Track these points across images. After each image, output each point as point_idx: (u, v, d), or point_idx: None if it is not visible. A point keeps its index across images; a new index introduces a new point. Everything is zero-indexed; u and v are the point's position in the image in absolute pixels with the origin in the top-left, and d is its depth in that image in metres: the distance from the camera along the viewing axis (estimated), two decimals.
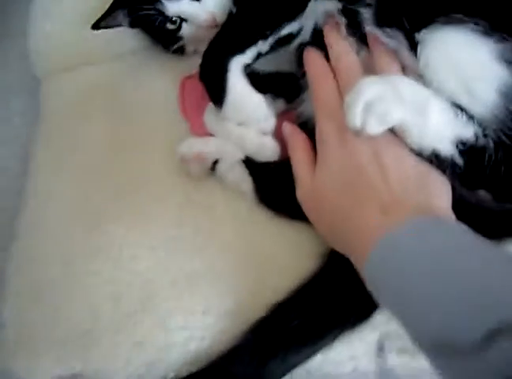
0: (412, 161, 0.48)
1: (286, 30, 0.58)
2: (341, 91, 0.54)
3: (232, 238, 0.60)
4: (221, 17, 0.64)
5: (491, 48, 0.46)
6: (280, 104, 0.66)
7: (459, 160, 0.46)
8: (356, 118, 0.46)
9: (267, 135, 0.61)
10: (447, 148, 0.46)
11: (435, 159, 0.47)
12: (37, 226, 0.66)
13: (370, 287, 0.43)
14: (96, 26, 0.68)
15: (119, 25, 0.69)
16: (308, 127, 0.59)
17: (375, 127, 0.45)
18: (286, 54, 0.64)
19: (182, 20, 0.65)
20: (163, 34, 0.67)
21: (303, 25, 0.60)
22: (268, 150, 0.61)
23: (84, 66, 0.80)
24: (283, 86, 0.65)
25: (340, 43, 0.57)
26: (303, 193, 0.54)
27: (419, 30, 0.50)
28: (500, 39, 0.46)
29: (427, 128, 0.46)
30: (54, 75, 0.81)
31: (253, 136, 0.61)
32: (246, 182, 0.60)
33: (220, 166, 0.61)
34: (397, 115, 0.45)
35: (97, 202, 0.65)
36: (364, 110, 0.45)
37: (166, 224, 0.61)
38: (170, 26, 0.66)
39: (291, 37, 0.60)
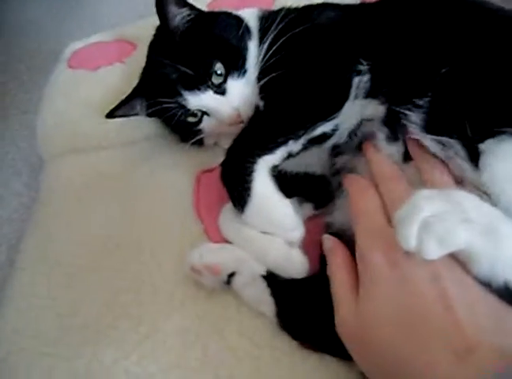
0: (480, 292, 0.39)
1: (320, 130, 0.53)
2: (386, 205, 0.46)
3: (246, 371, 0.48)
4: (246, 114, 0.59)
5: None
6: (307, 210, 0.59)
7: None
8: (411, 238, 0.37)
9: (294, 246, 0.52)
10: None
11: (506, 293, 0.38)
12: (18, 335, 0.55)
13: None
14: (111, 115, 0.64)
15: (136, 114, 0.65)
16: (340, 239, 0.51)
17: (434, 250, 0.37)
18: (317, 153, 0.57)
19: (204, 113, 0.60)
20: (182, 126, 0.62)
21: (338, 125, 0.54)
22: (295, 265, 0.52)
23: (92, 150, 0.74)
24: (312, 190, 0.58)
25: (381, 157, 0.51)
26: (343, 322, 0.44)
27: (483, 139, 0.43)
28: None
29: (500, 255, 0.38)
30: (61, 157, 0.75)
31: (277, 248, 0.52)
32: (266, 304, 0.50)
33: (236, 281, 0.52)
34: (462, 238, 0.37)
35: (85, 317, 0.54)
36: (421, 229, 0.37)
37: (170, 347, 0.51)
38: (190, 119, 0.61)
39: (325, 137, 0.54)
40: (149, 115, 0.65)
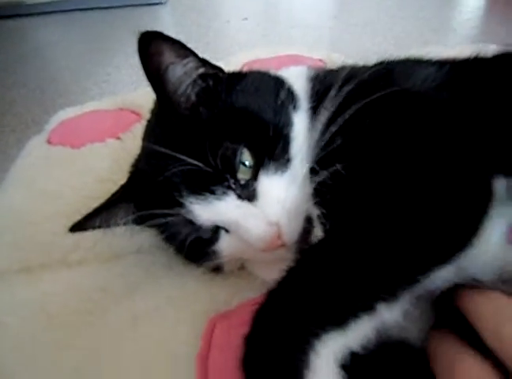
0: None
1: (439, 280, 0.30)
2: None
3: None
4: (291, 232, 0.37)
5: None
6: None
7: None
8: None
9: None
10: None
11: None
12: None
13: None
14: (81, 227, 0.43)
15: (118, 223, 0.45)
16: None
17: None
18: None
19: (222, 228, 0.39)
20: (190, 243, 0.41)
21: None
22: None
23: (54, 267, 0.50)
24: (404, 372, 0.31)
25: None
26: None
27: None
28: None
29: None
30: (9, 274, 0.51)
31: None
32: None
33: None
34: None
35: None
36: None
37: None
38: (202, 235, 0.40)
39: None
40: (137, 222, 0.44)
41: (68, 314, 0.45)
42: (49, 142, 0.61)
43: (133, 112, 0.65)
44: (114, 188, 0.46)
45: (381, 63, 0.47)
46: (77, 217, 0.43)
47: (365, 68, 0.46)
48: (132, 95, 0.71)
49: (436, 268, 0.28)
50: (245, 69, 0.51)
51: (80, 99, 0.93)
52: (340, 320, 0.27)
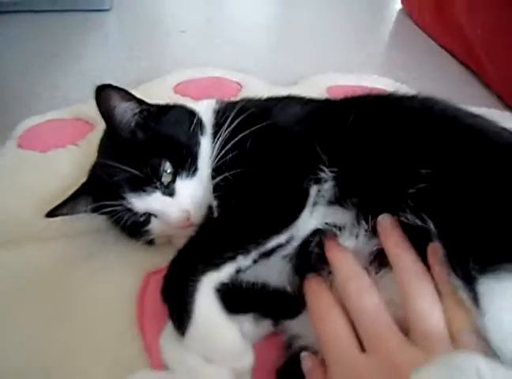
0: None
1: (273, 243, 0.48)
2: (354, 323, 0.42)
3: None
4: (198, 216, 0.54)
5: None
6: (266, 327, 0.52)
7: None
8: None
9: (244, 377, 0.45)
10: None
11: None
12: None
13: None
14: (52, 214, 0.58)
15: (81, 212, 0.60)
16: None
17: None
18: (276, 262, 0.52)
19: (152, 214, 0.56)
20: (130, 225, 0.57)
21: (293, 236, 0.49)
22: None
23: (30, 242, 0.66)
24: (270, 304, 0.52)
25: (347, 260, 0.46)
26: None
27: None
28: None
29: None
30: None
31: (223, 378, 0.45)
32: None
33: None
34: None
35: None
36: None
37: None
38: (138, 219, 0.56)
39: (279, 248, 0.49)
40: (94, 210, 0.59)
41: (43, 277, 0.61)
42: (19, 146, 0.77)
43: (87, 122, 0.81)
44: (75, 184, 0.61)
45: (269, 98, 0.67)
46: (46, 208, 0.59)
47: (257, 101, 0.65)
48: (85, 107, 0.86)
49: (275, 235, 0.47)
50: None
51: (32, 105, 1.02)
52: (216, 264, 0.45)
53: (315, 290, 0.47)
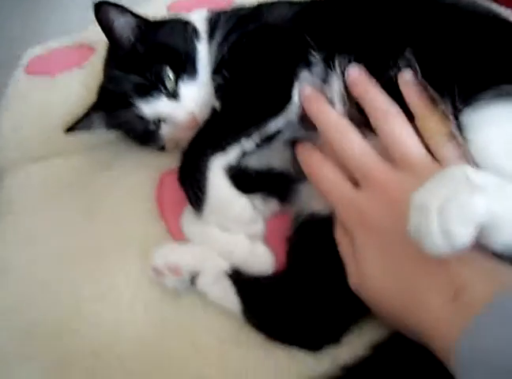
0: None
1: (273, 126, 0.53)
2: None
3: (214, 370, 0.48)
4: (203, 116, 0.58)
5: None
6: (273, 205, 0.59)
7: None
8: (436, 237, 0.33)
9: (257, 241, 0.53)
10: None
11: None
12: None
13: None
14: (71, 129, 0.63)
15: (95, 128, 0.64)
16: (313, 226, 0.53)
17: (461, 231, 0.33)
18: (277, 148, 0.58)
19: (162, 120, 0.60)
20: (142, 133, 0.62)
21: (290, 119, 0.54)
22: (260, 259, 0.52)
23: (53, 157, 0.72)
24: (275, 184, 0.58)
25: (327, 111, 0.51)
26: (352, 282, 0.46)
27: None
28: None
29: None
30: (20, 165, 0.73)
31: (241, 244, 0.53)
32: (232, 302, 0.50)
33: (200, 281, 0.51)
34: (481, 205, 0.33)
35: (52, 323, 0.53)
36: (439, 223, 0.33)
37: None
38: (149, 126, 0.60)
39: (279, 133, 0.54)
40: (109, 127, 0.65)
41: (71, 184, 0.68)
42: (28, 73, 0.80)
43: (89, 47, 0.84)
44: (85, 105, 0.64)
45: (259, 4, 0.69)
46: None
47: (247, 8, 0.66)
48: (86, 33, 0.88)
49: (272, 118, 0.51)
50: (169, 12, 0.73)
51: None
52: (223, 147, 0.51)
53: (306, 152, 0.53)
